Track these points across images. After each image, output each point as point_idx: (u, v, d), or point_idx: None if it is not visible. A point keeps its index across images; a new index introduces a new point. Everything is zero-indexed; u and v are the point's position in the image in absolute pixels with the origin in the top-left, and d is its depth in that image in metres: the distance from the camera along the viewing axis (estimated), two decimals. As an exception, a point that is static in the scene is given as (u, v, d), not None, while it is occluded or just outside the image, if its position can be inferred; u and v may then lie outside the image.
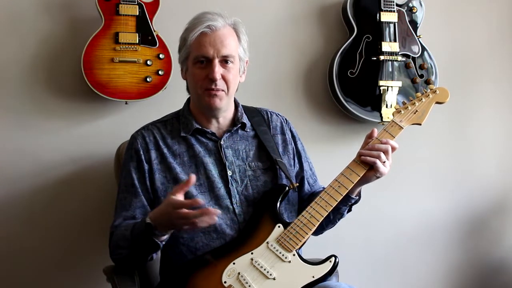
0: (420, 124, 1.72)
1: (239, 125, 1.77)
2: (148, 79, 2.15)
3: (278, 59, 2.43)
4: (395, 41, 2.35)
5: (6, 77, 2.19)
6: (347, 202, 1.72)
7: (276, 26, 2.43)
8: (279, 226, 1.61)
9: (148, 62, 2.15)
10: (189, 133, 1.74)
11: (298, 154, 1.85)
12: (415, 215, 2.58)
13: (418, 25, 2.42)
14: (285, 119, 1.89)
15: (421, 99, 1.74)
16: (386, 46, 2.34)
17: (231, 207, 1.68)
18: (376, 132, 1.70)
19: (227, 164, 1.72)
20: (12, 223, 2.21)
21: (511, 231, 2.70)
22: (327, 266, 1.56)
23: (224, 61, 1.67)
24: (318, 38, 2.46)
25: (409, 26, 2.40)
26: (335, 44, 2.43)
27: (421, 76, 2.40)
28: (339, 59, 2.34)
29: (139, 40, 2.15)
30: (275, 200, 1.66)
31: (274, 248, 1.57)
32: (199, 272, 1.58)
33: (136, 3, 2.15)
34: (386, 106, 2.34)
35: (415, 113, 1.71)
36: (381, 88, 2.34)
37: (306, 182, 1.84)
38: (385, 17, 2.35)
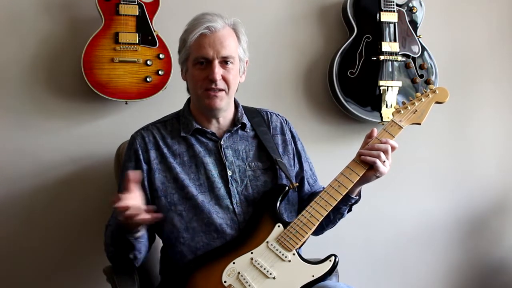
0: (419, 124, 1.72)
1: (239, 125, 1.77)
2: (148, 79, 2.15)
3: (278, 59, 2.43)
4: (395, 41, 2.35)
5: (6, 77, 2.19)
6: (347, 202, 1.71)
7: (276, 26, 2.43)
8: (279, 226, 1.61)
9: (148, 62, 2.15)
10: (189, 133, 1.74)
11: (298, 154, 1.85)
12: (415, 215, 2.58)
13: (418, 25, 2.42)
14: (285, 119, 1.89)
15: (421, 99, 1.74)
16: (386, 46, 2.34)
17: (231, 207, 1.68)
18: (375, 131, 1.70)
19: (227, 164, 1.72)
20: (12, 223, 2.21)
21: (511, 231, 2.70)
22: (327, 265, 1.56)
23: (224, 61, 1.67)
24: (318, 38, 2.46)
25: (409, 26, 2.40)
26: (335, 44, 2.43)
27: (421, 76, 2.40)
28: (339, 59, 2.34)
29: (139, 40, 2.15)
30: (275, 200, 1.67)
31: (274, 247, 1.57)
32: (199, 272, 1.58)
33: (136, 3, 2.15)
34: (386, 106, 2.34)
35: (414, 112, 1.72)
36: (381, 88, 2.34)
37: (306, 182, 1.84)
38: (385, 17, 2.35)
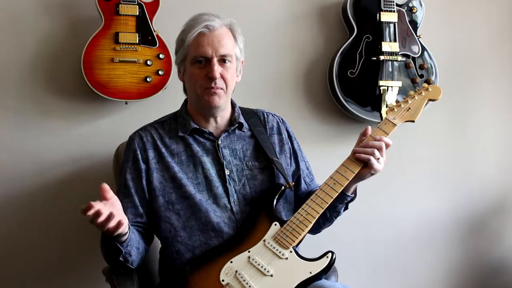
0: (413, 121, 1.73)
1: (236, 125, 1.78)
2: (148, 79, 2.15)
3: (278, 59, 2.43)
4: (395, 41, 2.35)
5: (6, 77, 2.19)
6: (343, 200, 1.73)
7: (276, 26, 2.43)
8: (275, 224, 1.62)
9: (148, 62, 2.15)
10: (186, 133, 1.75)
11: (295, 154, 1.86)
12: (415, 215, 2.58)
13: (418, 25, 2.42)
14: (281, 119, 1.90)
15: (414, 97, 1.76)
16: (386, 46, 2.34)
17: (228, 205, 1.69)
18: (370, 129, 1.71)
19: (224, 163, 1.73)
20: (12, 223, 2.21)
21: (511, 231, 2.70)
22: (324, 261, 1.56)
23: (222, 60, 1.68)
24: (318, 38, 2.46)
25: (409, 26, 2.40)
26: (335, 44, 2.43)
27: (421, 76, 2.40)
28: (339, 59, 2.34)
29: (139, 40, 2.15)
30: (272, 199, 1.68)
31: (271, 245, 1.58)
32: (197, 272, 1.59)
33: (136, 3, 2.15)
34: (386, 106, 2.34)
35: (408, 110, 1.73)
36: (381, 88, 2.34)
37: (302, 181, 1.85)
38: (385, 17, 2.35)
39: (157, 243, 1.80)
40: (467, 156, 2.64)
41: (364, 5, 2.36)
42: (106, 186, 1.45)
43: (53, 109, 2.22)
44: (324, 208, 1.61)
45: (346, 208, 1.79)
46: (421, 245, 2.59)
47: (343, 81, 2.34)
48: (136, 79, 2.15)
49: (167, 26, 2.21)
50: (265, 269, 1.55)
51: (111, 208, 1.44)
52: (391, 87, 2.35)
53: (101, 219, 1.40)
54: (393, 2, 2.35)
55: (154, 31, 2.18)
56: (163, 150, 1.74)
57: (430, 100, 1.77)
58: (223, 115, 1.78)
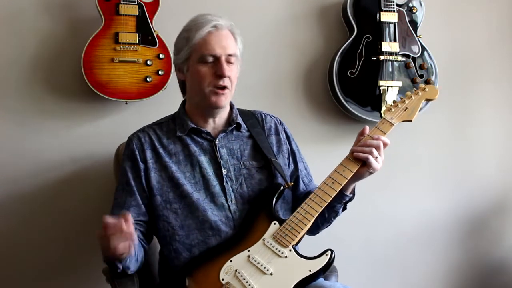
0: (410, 121, 1.74)
1: (234, 125, 1.79)
2: (148, 79, 2.15)
3: (278, 59, 2.43)
4: (395, 41, 2.35)
5: (6, 77, 2.19)
6: (341, 200, 1.73)
7: (276, 26, 2.43)
8: (274, 223, 1.63)
9: (148, 62, 2.15)
10: (184, 133, 1.76)
11: (293, 154, 1.86)
12: (415, 215, 2.58)
13: (418, 25, 2.42)
14: (279, 120, 1.91)
15: (411, 97, 1.78)
16: (386, 46, 2.34)
17: (226, 204, 1.70)
18: (367, 129, 1.72)
19: (222, 162, 1.74)
20: (12, 223, 2.21)
21: (511, 231, 2.70)
22: (324, 260, 1.57)
23: (228, 60, 1.69)
24: (318, 38, 2.46)
25: (409, 26, 2.40)
26: (335, 44, 2.43)
27: (421, 76, 2.40)
28: (339, 59, 2.34)
29: (139, 40, 2.15)
30: (271, 198, 1.69)
31: (270, 244, 1.59)
32: (197, 271, 1.59)
33: (136, 3, 2.15)
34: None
35: (405, 110, 1.75)
36: (381, 88, 2.34)
37: (301, 182, 1.86)
38: (385, 17, 2.35)
39: (157, 244, 1.80)
40: (467, 156, 2.64)
41: (364, 5, 2.36)
42: (129, 216, 1.46)
43: (53, 109, 2.22)
44: (323, 207, 1.62)
45: (344, 208, 1.79)
46: (421, 245, 2.59)
47: (343, 81, 2.34)
48: (136, 79, 2.15)
49: (167, 26, 2.21)
50: (264, 267, 1.55)
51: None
52: (391, 87, 2.35)
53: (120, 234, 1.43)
54: (393, 2, 2.36)
55: (154, 31, 2.18)
56: (161, 150, 1.75)
57: (427, 100, 1.79)
58: (222, 115, 1.79)
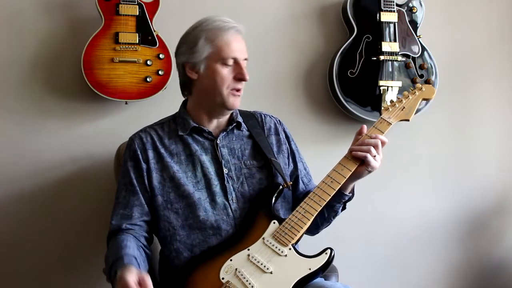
0: (408, 120, 1.75)
1: (235, 124, 1.80)
2: (148, 79, 2.15)
3: (278, 59, 2.43)
4: (395, 41, 2.35)
5: (6, 77, 2.20)
6: (340, 199, 1.74)
7: (276, 26, 2.43)
8: (274, 222, 1.63)
9: (148, 62, 2.15)
10: (186, 132, 1.76)
11: (292, 154, 1.87)
12: (415, 215, 2.58)
13: (418, 25, 2.42)
14: (279, 120, 1.91)
15: (408, 96, 1.79)
16: (386, 46, 2.34)
17: (227, 203, 1.70)
18: (365, 128, 1.73)
19: (223, 162, 1.74)
20: (12, 223, 2.21)
21: (511, 231, 2.70)
22: (323, 258, 1.57)
23: (243, 63, 1.72)
24: (318, 38, 2.46)
25: (409, 26, 2.40)
26: (335, 44, 2.44)
27: (421, 76, 2.40)
28: (339, 59, 2.34)
29: (139, 40, 2.15)
30: (270, 198, 1.69)
31: (270, 243, 1.59)
32: (197, 270, 1.60)
33: (136, 3, 2.15)
34: (386, 106, 2.34)
35: (402, 109, 1.75)
36: (381, 88, 2.34)
37: (300, 182, 1.86)
38: (385, 17, 2.35)
39: (158, 244, 1.80)
40: (467, 156, 2.64)
41: (364, 5, 2.36)
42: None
43: (53, 109, 2.23)
44: (322, 206, 1.62)
45: (344, 208, 1.79)
46: (421, 245, 2.59)
47: (343, 81, 2.34)
48: (136, 79, 2.15)
49: (167, 26, 2.21)
50: (264, 266, 1.55)
51: None
52: (391, 87, 2.35)
53: None
54: (393, 2, 2.36)
55: (154, 31, 2.18)
56: (162, 150, 1.75)
57: (424, 99, 1.80)
58: (226, 115, 1.80)
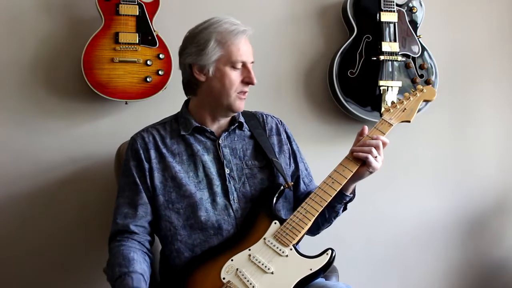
0: (409, 121, 1.75)
1: (236, 124, 1.80)
2: (148, 79, 2.15)
3: (278, 59, 2.43)
4: (395, 41, 2.35)
5: (6, 77, 2.20)
6: (342, 200, 1.74)
7: (276, 26, 2.43)
8: (275, 223, 1.64)
9: (148, 62, 2.15)
10: (188, 132, 1.76)
11: (294, 154, 1.87)
12: (415, 215, 2.58)
13: (418, 25, 2.42)
14: (280, 120, 1.91)
15: (409, 97, 1.79)
16: (386, 46, 2.34)
17: (228, 203, 1.70)
18: (366, 129, 1.73)
19: (225, 162, 1.74)
20: (12, 223, 2.21)
21: (511, 231, 2.70)
22: (324, 258, 1.57)
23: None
24: (318, 38, 2.46)
25: (409, 26, 2.40)
26: (335, 44, 2.44)
27: (421, 76, 2.40)
28: (339, 59, 2.34)
29: (139, 40, 2.15)
30: (271, 198, 1.70)
31: (271, 243, 1.59)
32: (198, 270, 1.60)
33: (136, 3, 2.15)
34: (386, 106, 2.34)
35: (403, 111, 1.75)
36: (381, 88, 2.34)
37: (301, 182, 1.86)
38: (385, 17, 2.35)
39: (158, 243, 1.80)
40: (467, 156, 2.64)
41: (364, 5, 2.36)
42: None
43: (53, 109, 2.23)
44: (323, 206, 1.62)
45: (345, 208, 1.79)
46: (422, 245, 2.59)
47: (343, 81, 2.34)
48: (136, 79, 2.15)
49: (167, 26, 2.21)
50: (265, 266, 1.56)
51: None
52: (391, 87, 2.35)
53: None
54: (393, 2, 2.36)
55: (154, 31, 2.18)
56: (164, 150, 1.75)
57: (425, 101, 1.80)
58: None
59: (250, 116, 1.87)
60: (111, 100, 2.16)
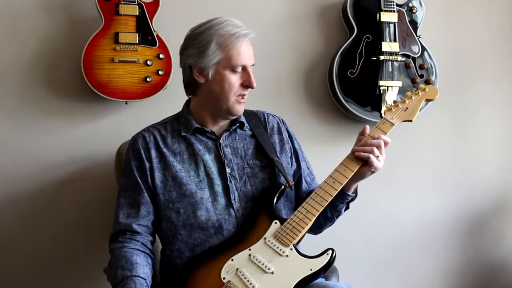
0: (411, 121, 1.75)
1: (238, 124, 1.79)
2: (148, 79, 2.15)
3: (278, 59, 2.43)
4: (395, 41, 2.35)
5: (6, 77, 2.20)
6: (343, 199, 1.73)
7: (276, 26, 2.43)
8: (275, 223, 1.63)
9: (148, 62, 2.15)
10: (189, 133, 1.76)
11: (295, 153, 1.87)
12: (415, 215, 2.58)
13: (418, 25, 2.42)
14: (281, 119, 1.91)
15: (411, 97, 1.78)
16: (386, 46, 2.34)
17: (229, 203, 1.70)
18: (368, 129, 1.72)
19: (226, 161, 1.74)
20: (12, 223, 2.21)
21: (511, 231, 2.70)
22: (325, 259, 1.57)
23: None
24: (318, 38, 2.46)
25: (409, 26, 2.40)
26: (335, 44, 2.44)
27: (421, 76, 2.40)
28: (339, 59, 2.34)
29: (139, 40, 2.15)
30: (272, 198, 1.69)
31: (272, 243, 1.59)
32: (198, 270, 1.60)
33: (136, 3, 2.15)
34: (386, 106, 2.34)
35: (405, 110, 1.75)
36: (381, 88, 2.34)
37: (303, 181, 1.86)
38: (385, 17, 2.35)
39: (159, 243, 1.80)
40: (467, 156, 2.64)
41: (364, 5, 2.36)
42: None
43: (53, 109, 2.23)
44: (324, 206, 1.62)
45: (347, 207, 1.79)
46: (422, 245, 2.59)
47: (343, 81, 2.34)
48: (136, 79, 2.15)
49: (167, 26, 2.21)
50: (266, 266, 1.55)
51: None
52: (391, 87, 2.35)
53: None
54: (393, 2, 2.36)
55: (154, 31, 2.18)
56: (165, 150, 1.74)
57: (427, 100, 1.79)
58: None
59: (251, 115, 1.86)
60: (111, 100, 2.16)
